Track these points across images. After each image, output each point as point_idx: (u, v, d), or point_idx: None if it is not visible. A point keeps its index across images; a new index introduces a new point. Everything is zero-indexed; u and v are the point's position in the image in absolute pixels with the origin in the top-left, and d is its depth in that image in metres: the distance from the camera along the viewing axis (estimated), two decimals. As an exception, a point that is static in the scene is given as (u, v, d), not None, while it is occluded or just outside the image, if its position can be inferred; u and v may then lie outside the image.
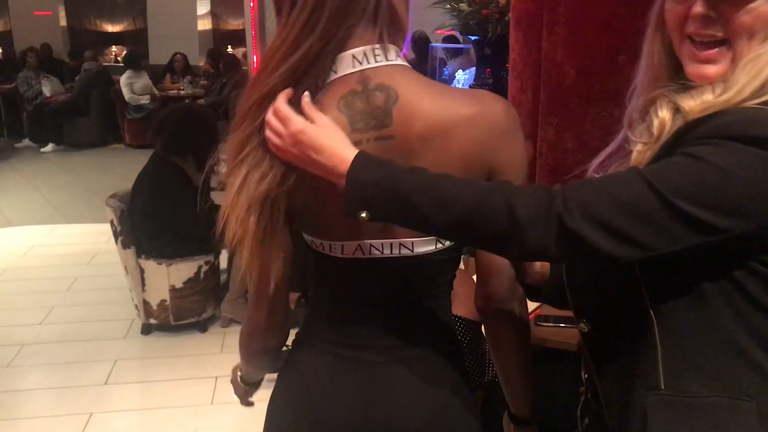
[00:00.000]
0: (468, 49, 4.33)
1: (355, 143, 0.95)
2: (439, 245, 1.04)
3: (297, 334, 1.18)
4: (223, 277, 3.90)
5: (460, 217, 0.88)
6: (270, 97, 0.95)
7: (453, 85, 4.02)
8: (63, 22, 11.97)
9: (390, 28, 1.00)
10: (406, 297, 1.09)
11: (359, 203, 0.91)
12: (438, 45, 4.90)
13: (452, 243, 1.05)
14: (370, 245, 1.03)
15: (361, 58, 0.97)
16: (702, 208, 0.83)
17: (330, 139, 0.92)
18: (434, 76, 4.62)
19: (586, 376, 1.14)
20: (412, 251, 1.03)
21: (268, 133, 0.95)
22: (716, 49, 0.93)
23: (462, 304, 1.70)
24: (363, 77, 0.97)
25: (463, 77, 3.82)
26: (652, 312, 0.96)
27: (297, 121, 0.93)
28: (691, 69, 0.95)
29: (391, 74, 0.97)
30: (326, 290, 1.13)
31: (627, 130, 1.04)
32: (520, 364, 1.18)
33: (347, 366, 1.09)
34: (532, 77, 2.65)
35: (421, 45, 6.11)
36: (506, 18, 3.09)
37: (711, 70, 0.93)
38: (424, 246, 1.03)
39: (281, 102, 0.95)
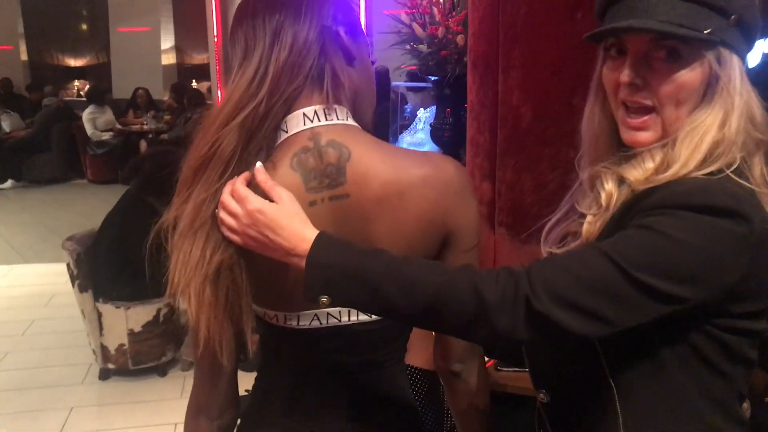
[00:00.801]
0: (429, 87, 4.37)
1: (311, 203, 0.94)
2: None
3: (246, 409, 1.13)
4: (183, 320, 3.83)
5: (426, 303, 0.87)
6: (221, 155, 0.93)
7: (415, 124, 4.05)
8: (24, 56, 11.84)
9: (337, 91, 0.99)
10: (366, 362, 1.06)
11: (320, 287, 0.88)
12: (399, 84, 4.94)
13: None
14: (328, 313, 1.01)
15: (311, 116, 0.96)
16: (663, 279, 0.84)
17: (289, 218, 0.90)
18: (395, 112, 4.66)
19: None
20: (371, 316, 1.01)
21: (223, 214, 0.92)
22: (646, 117, 0.95)
23: (418, 355, 1.69)
24: (314, 134, 0.96)
25: (424, 116, 3.85)
26: (612, 382, 0.96)
27: (254, 200, 0.90)
28: (626, 135, 0.98)
29: (341, 132, 0.97)
30: (280, 363, 1.09)
31: (576, 198, 1.06)
32: (480, 425, 1.17)
33: None
34: (490, 119, 2.69)
35: (380, 80, 6.16)
36: (465, 59, 3.14)
37: (642, 136, 0.96)
38: None
39: (239, 183, 0.92)
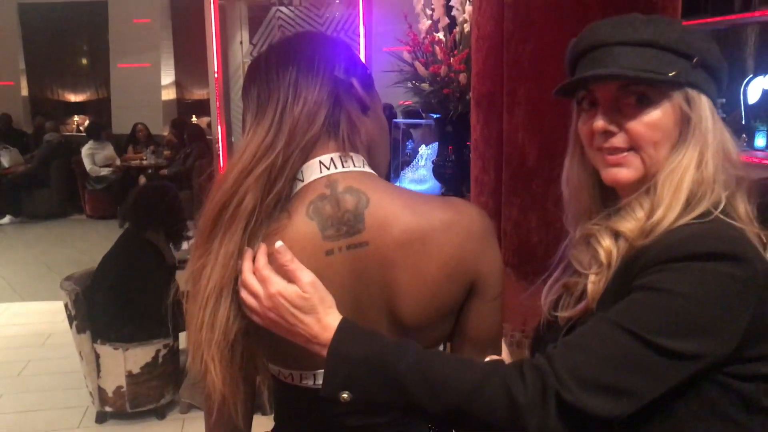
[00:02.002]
0: (430, 124, 4.38)
1: (327, 252, 0.91)
2: None
3: None
4: (183, 360, 3.76)
5: (457, 404, 0.84)
6: (244, 209, 0.90)
7: (416, 161, 4.03)
8: (24, 92, 11.89)
9: (353, 139, 0.97)
10: (379, 425, 1.01)
11: (341, 381, 0.85)
12: (401, 120, 4.95)
13: None
14: None
15: (328, 164, 0.94)
16: (683, 339, 0.83)
17: (311, 304, 0.87)
18: (398, 149, 4.65)
19: None
20: None
21: (244, 294, 0.90)
22: (624, 154, 0.96)
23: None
24: (330, 181, 0.94)
25: (426, 152, 3.83)
26: None
27: (276, 283, 0.88)
28: (605, 174, 0.99)
29: (359, 178, 0.95)
30: (293, 421, 1.06)
31: (570, 254, 1.06)
32: None
33: None
34: (494, 157, 2.66)
35: (386, 116, 6.17)
36: (467, 97, 3.13)
37: (622, 173, 0.97)
38: None
39: (262, 261, 0.89)
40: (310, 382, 0.98)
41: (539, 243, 2.57)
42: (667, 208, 0.92)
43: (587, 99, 1.00)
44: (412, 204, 0.94)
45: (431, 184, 3.74)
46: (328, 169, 0.94)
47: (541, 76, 2.47)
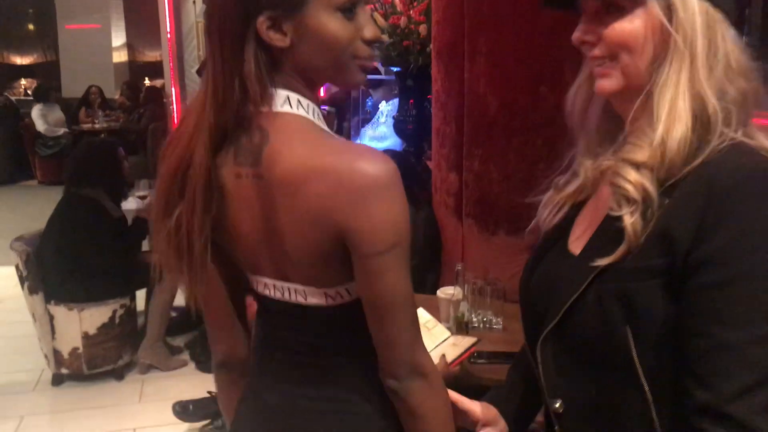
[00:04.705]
0: (390, 81, 4.32)
1: (236, 175, 0.97)
2: (330, 300, 1.00)
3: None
4: (140, 321, 3.70)
5: None
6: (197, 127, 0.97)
7: (376, 118, 3.99)
8: (-32, 55, 11.44)
9: (279, 76, 0.98)
10: (313, 347, 1.06)
11: None
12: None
13: (347, 299, 1.00)
14: (273, 285, 1.03)
15: (260, 102, 0.96)
16: None
17: None
18: (357, 108, 4.59)
19: None
20: (306, 300, 1.01)
21: None
22: (606, 64, 0.95)
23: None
24: (252, 116, 0.97)
25: (386, 109, 3.79)
26: (647, 388, 0.90)
27: None
28: (595, 88, 0.98)
29: (272, 119, 0.96)
30: (259, 328, 1.13)
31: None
32: None
33: (254, 407, 1.11)
34: (456, 108, 2.65)
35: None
36: (427, 49, 3.10)
37: (605, 83, 0.96)
38: (315, 297, 1.00)
39: None
40: (261, 289, 1.05)
41: (500, 194, 2.58)
42: (667, 125, 0.88)
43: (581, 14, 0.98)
44: (308, 148, 0.94)
45: (392, 140, 3.71)
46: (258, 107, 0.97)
47: (503, 23, 2.45)
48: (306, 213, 0.93)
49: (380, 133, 3.86)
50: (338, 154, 0.93)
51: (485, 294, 2.18)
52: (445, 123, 2.72)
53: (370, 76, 4.98)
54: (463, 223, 2.71)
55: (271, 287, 1.04)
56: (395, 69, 3.44)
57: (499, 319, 2.18)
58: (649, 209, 0.89)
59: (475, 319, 2.17)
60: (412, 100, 3.33)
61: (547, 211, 1.10)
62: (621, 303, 0.89)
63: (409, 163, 3.24)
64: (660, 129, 0.89)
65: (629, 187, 0.91)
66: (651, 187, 0.89)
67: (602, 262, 0.91)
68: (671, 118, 0.89)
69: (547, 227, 1.10)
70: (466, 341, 1.93)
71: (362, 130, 3.92)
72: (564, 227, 1.08)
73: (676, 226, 0.86)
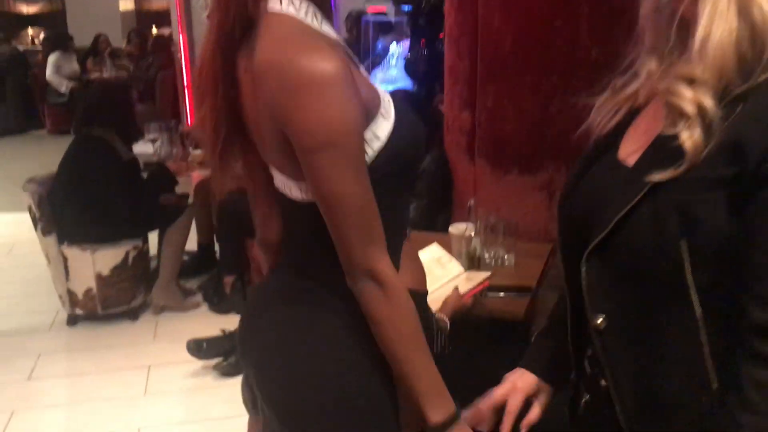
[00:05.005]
0: (400, 23, 4.25)
1: (244, 69, 1.03)
2: (303, 195, 1.05)
3: None
4: (153, 263, 3.72)
5: None
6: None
7: (387, 59, 3.93)
8: (-27, 3, 11.32)
9: None
10: (292, 238, 1.17)
11: None
12: (369, 18, 4.80)
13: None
14: (275, 176, 1.10)
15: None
16: None
17: None
18: (367, 51, 4.53)
19: (590, 371, 1.05)
20: (291, 193, 1.08)
21: None
22: None
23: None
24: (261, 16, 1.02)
25: (397, 50, 3.73)
26: (697, 305, 0.87)
27: None
28: None
29: (268, 18, 1.01)
30: None
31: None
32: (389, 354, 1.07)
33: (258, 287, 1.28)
34: (469, 44, 2.59)
35: (357, 23, 5.99)
36: (441, -14, 3.02)
37: None
38: (294, 192, 1.07)
39: None
40: (277, 183, 1.12)
41: (514, 132, 2.55)
42: (707, 28, 0.83)
43: None
44: (277, 43, 0.98)
45: (403, 83, 3.66)
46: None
47: (518, -46, 2.39)
48: (264, 105, 1.00)
49: (390, 76, 3.81)
50: (287, 50, 0.97)
51: (497, 230, 2.17)
52: (458, 59, 2.67)
53: (379, 19, 4.90)
54: (475, 162, 2.69)
55: (277, 178, 1.10)
56: (406, 9, 3.37)
57: (511, 255, 2.17)
58: (711, 123, 0.84)
59: (486, 256, 2.17)
60: (423, 40, 3.27)
61: (602, 115, 1.03)
62: (679, 215, 0.85)
63: (419, 103, 3.20)
64: (699, 32, 0.84)
65: (685, 105, 0.86)
66: (709, 102, 0.85)
67: (661, 176, 0.86)
68: (710, 19, 0.84)
69: (600, 133, 1.03)
70: (480, 276, 1.93)
71: (372, 72, 3.86)
72: (614, 136, 1.02)
73: (749, 134, 0.81)
